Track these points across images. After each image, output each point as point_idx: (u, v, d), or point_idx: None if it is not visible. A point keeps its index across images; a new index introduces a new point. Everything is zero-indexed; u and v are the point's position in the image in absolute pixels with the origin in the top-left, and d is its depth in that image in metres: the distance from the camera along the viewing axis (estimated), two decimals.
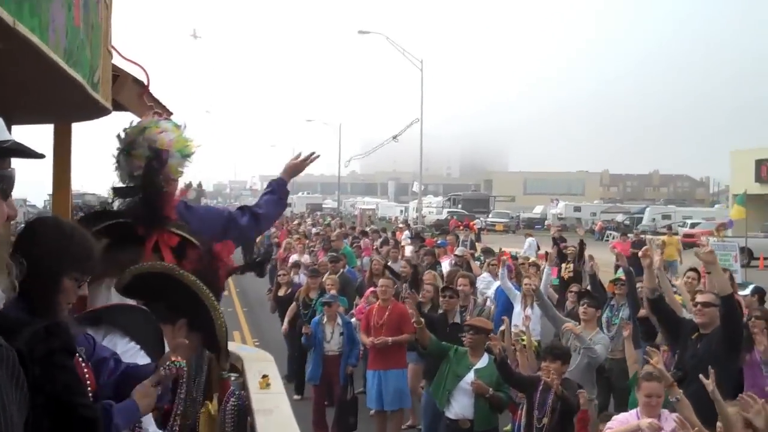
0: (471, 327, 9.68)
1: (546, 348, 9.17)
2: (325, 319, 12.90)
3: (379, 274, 14.99)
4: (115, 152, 5.03)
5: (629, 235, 31.66)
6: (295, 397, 14.08)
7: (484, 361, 9.46)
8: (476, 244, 28.96)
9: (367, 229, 35.92)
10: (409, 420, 12.71)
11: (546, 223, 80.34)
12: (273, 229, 34.17)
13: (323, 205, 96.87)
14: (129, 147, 4.97)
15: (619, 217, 78.13)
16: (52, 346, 2.48)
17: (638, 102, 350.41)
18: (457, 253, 18.96)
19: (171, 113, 6.06)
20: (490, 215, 77.66)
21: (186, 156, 5.17)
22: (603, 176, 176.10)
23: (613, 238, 60.71)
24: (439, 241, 23.23)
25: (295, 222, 47.02)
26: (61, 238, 2.97)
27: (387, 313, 11.74)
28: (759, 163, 52.15)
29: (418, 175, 62.19)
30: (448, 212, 74.66)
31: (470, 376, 9.37)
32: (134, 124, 5.13)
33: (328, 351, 12.72)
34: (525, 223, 76.85)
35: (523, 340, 10.25)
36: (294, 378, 14.87)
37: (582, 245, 19.66)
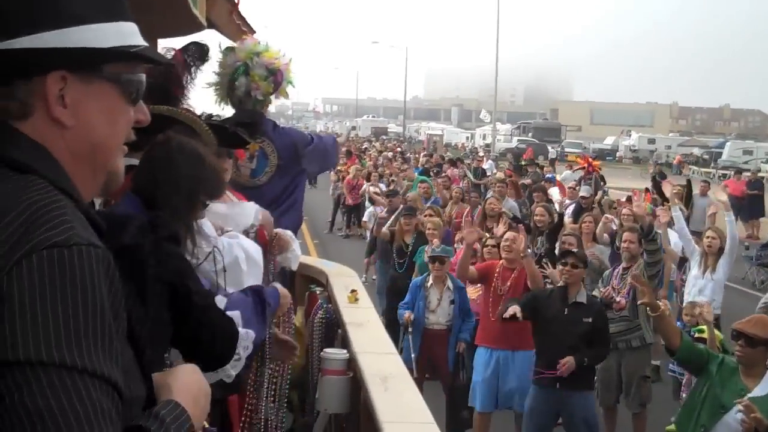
0: (741, 334, 5.99)
1: None
2: (431, 281, 9.43)
3: (495, 216, 11.91)
4: (227, 72, 5.49)
5: (743, 173, 27.95)
6: None
7: (766, 386, 5.78)
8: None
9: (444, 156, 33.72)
10: None
11: (617, 154, 77.49)
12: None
13: (388, 130, 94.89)
14: (246, 68, 5.42)
15: (696, 151, 74.98)
16: (160, 236, 2.54)
17: (710, 32, 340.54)
18: (583, 194, 15.23)
19: (255, 32, 6.21)
20: (562, 145, 74.60)
21: (290, 82, 5.72)
22: (672, 108, 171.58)
23: (693, 173, 58.04)
24: (548, 175, 19.97)
25: (364, 146, 45.09)
26: (199, 163, 3.13)
27: (514, 276, 8.81)
28: None
29: (482, 102, 59.69)
30: (518, 140, 71.91)
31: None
32: (240, 46, 5.58)
33: (433, 324, 9.30)
34: (596, 154, 73.91)
35: (702, 331, 7.46)
36: None
37: (689, 185, 16.99)
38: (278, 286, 3.93)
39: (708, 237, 10.39)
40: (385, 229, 13.32)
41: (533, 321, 8.09)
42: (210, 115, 4.40)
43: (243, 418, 4.20)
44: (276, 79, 5.56)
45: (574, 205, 14.81)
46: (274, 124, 6.04)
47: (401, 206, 14.02)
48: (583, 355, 7.68)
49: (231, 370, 3.33)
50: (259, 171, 5.58)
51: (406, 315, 9.18)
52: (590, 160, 18.74)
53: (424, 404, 3.98)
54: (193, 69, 3.98)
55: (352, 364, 4.76)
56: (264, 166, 5.60)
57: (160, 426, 1.63)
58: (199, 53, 4.01)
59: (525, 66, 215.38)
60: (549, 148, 64.90)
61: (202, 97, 5.26)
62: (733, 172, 27.44)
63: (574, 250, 8.61)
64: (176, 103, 3.96)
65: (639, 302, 6.26)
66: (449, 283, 9.39)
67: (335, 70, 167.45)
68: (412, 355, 8.94)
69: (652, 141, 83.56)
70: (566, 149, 71.11)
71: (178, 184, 3.05)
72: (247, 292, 3.53)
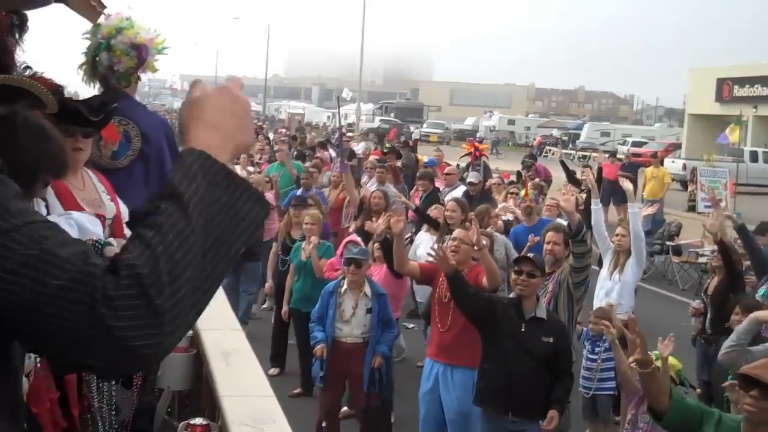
0: (754, 381, 4.38)
1: None
2: (345, 287, 8.07)
3: (379, 211, 10.55)
4: (90, 48, 5.44)
5: (619, 156, 27.45)
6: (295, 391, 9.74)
7: None
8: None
9: (309, 137, 32.39)
10: None
11: (478, 135, 77.68)
12: None
13: None
14: (108, 43, 5.37)
15: (555, 132, 76.05)
16: None
17: (564, 14, 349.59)
18: (472, 180, 14.08)
19: (105, 6, 6.00)
20: (424, 125, 74.23)
21: (160, 52, 5.61)
22: (529, 90, 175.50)
23: (553, 154, 58.56)
24: (427, 159, 18.81)
25: None
26: (44, 139, 2.87)
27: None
28: (720, 83, 48.60)
29: (343, 81, 59.10)
30: (381, 120, 71.15)
31: None
32: (104, 22, 5.49)
33: (346, 337, 7.97)
34: (456, 135, 73.88)
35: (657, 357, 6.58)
36: (279, 360, 10.50)
37: (600, 171, 16.33)
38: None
39: (617, 234, 9.19)
40: None
41: (485, 329, 6.84)
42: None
43: (82, 400, 4.09)
44: (140, 54, 5.47)
45: (461, 194, 13.36)
46: (144, 108, 6.00)
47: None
48: (560, 404, 6.57)
49: None
50: (121, 153, 5.46)
51: (318, 350, 7.92)
52: (477, 144, 17.42)
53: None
54: (17, 34, 3.30)
55: (195, 340, 4.76)
56: (126, 149, 5.47)
57: (189, 184, 1.64)
58: (19, 18, 3.32)
59: (386, 46, 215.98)
60: (412, 128, 64.38)
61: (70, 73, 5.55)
62: (608, 155, 26.98)
63: (530, 255, 7.25)
64: (8, 70, 3.27)
65: (630, 360, 4.82)
66: (367, 288, 8.04)
67: (194, 46, 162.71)
68: (320, 374, 7.90)
69: (512, 122, 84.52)
70: (428, 129, 70.91)
71: (22, 161, 2.73)
72: None
